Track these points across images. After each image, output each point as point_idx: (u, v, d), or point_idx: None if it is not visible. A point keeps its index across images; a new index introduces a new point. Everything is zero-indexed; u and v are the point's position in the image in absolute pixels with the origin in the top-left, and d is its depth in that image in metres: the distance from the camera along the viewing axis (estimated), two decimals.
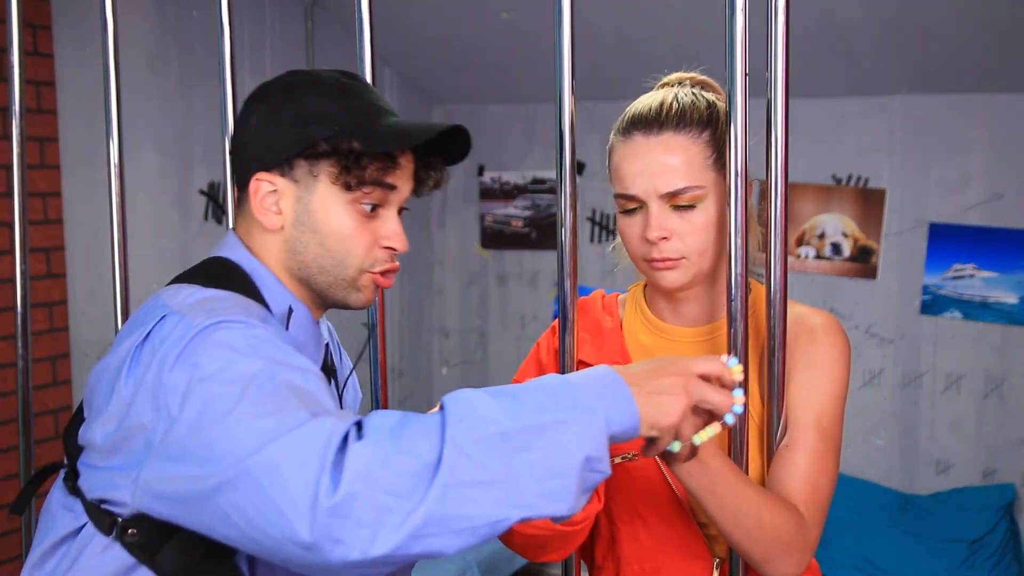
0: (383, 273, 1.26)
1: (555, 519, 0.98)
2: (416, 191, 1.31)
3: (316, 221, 1.22)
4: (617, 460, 1.41)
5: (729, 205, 1.31)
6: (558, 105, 1.39)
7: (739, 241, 1.31)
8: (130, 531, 1.10)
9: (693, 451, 1.13)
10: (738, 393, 1.08)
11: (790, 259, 4.14)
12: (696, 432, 1.09)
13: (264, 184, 1.22)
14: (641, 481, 1.42)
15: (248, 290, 1.21)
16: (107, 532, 1.11)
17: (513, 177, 4.80)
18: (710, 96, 1.39)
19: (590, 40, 3.32)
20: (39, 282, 3.18)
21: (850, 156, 4.09)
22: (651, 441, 1.09)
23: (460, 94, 4.80)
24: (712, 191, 1.33)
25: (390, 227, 1.24)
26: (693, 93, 1.38)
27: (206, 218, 3.74)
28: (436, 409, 1.01)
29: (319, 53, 4.15)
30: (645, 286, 1.50)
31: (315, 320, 1.30)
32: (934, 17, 3.43)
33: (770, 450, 1.35)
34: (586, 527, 1.35)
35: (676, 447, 1.10)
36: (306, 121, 1.20)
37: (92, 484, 1.12)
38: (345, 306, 1.28)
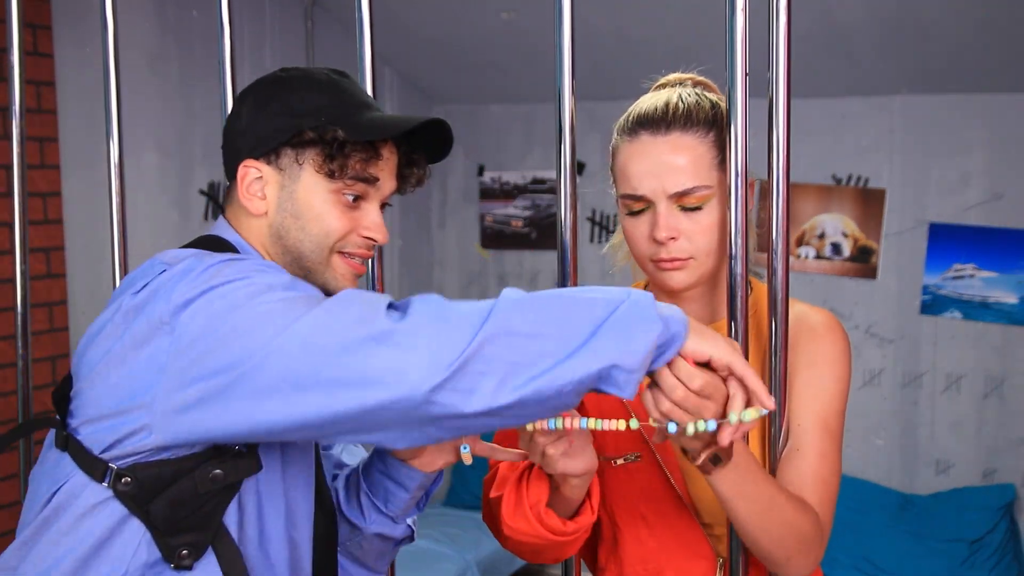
0: (357, 259, 1.30)
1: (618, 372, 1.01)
2: (400, 188, 1.34)
3: (299, 207, 1.26)
4: (620, 461, 1.41)
5: (729, 205, 1.31)
6: (558, 105, 1.38)
7: (739, 241, 1.31)
8: (124, 479, 1.12)
9: (720, 450, 1.15)
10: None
11: (790, 259, 4.14)
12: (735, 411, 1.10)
13: (251, 171, 1.26)
14: (643, 482, 1.42)
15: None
16: (100, 479, 1.13)
17: (513, 177, 4.80)
18: (712, 96, 1.39)
19: (590, 40, 3.32)
20: (39, 282, 3.18)
21: (850, 156, 4.09)
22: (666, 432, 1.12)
23: (460, 94, 4.80)
24: (719, 191, 1.33)
25: (371, 218, 1.29)
26: (696, 93, 1.37)
27: (206, 218, 3.74)
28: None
29: (319, 53, 4.15)
30: (646, 286, 1.49)
31: None
32: (934, 17, 3.43)
33: (771, 450, 1.35)
34: (579, 537, 1.35)
35: (712, 426, 1.10)
36: (294, 112, 1.25)
37: (99, 436, 1.13)
38: (325, 291, 1.29)
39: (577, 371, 0.99)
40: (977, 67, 3.68)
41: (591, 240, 4.60)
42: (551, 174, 4.63)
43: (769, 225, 1.34)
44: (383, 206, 1.31)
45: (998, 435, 3.94)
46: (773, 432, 1.35)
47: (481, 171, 4.87)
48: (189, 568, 1.15)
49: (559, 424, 1.20)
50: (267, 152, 1.26)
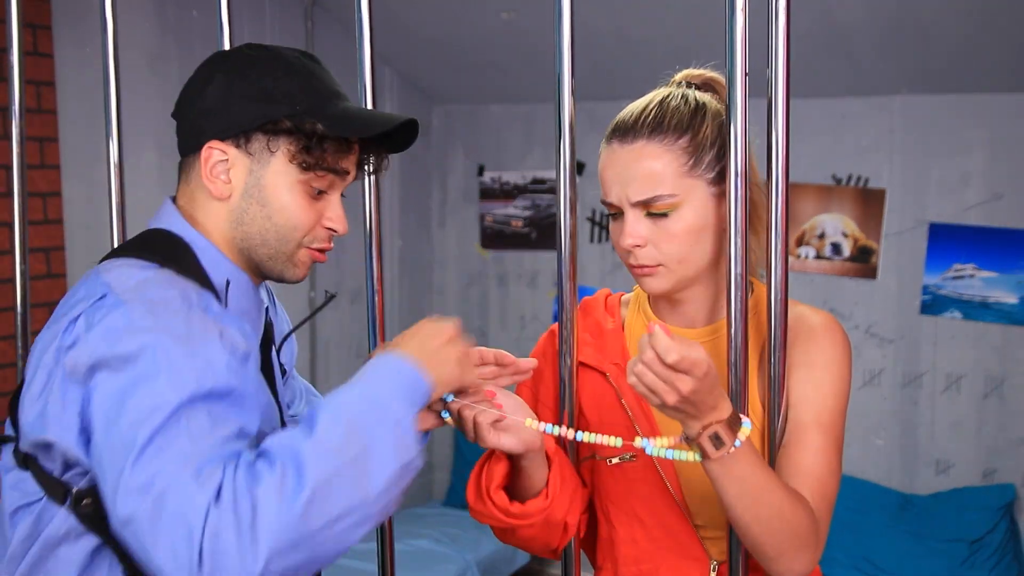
0: (320, 250, 1.30)
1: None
2: (357, 176, 1.35)
3: (266, 195, 1.25)
4: (615, 461, 1.41)
5: (729, 205, 1.31)
6: (558, 105, 1.38)
7: (739, 241, 1.30)
8: (84, 501, 1.12)
9: (722, 431, 1.19)
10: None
11: (790, 259, 4.14)
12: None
13: (216, 152, 1.24)
14: (638, 483, 1.42)
15: (188, 263, 1.22)
16: (60, 502, 1.13)
17: (513, 177, 4.80)
18: (706, 97, 1.38)
19: (590, 40, 3.32)
20: (39, 282, 3.17)
21: (850, 156, 4.09)
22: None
23: (460, 94, 4.80)
24: (692, 198, 1.32)
25: (334, 210, 1.29)
26: (685, 95, 1.37)
27: None
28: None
29: (319, 53, 4.10)
30: None
31: (255, 286, 1.32)
32: (934, 17, 3.42)
33: (771, 450, 1.35)
34: (534, 522, 1.36)
35: (679, 455, 1.19)
36: (269, 96, 1.23)
37: (48, 463, 1.14)
38: (280, 279, 1.31)
39: (387, 493, 1.08)
40: (977, 67, 3.68)
41: (591, 240, 4.60)
42: (551, 174, 4.63)
43: (769, 225, 1.34)
44: (342, 195, 1.32)
45: (998, 435, 3.94)
46: (772, 435, 1.35)
47: (481, 171, 4.87)
48: None
49: (556, 431, 1.28)
50: (236, 135, 1.24)
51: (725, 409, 1.20)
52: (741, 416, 1.22)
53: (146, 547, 1.00)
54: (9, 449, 1.20)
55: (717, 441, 1.19)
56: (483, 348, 1.34)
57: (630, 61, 3.91)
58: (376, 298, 1.54)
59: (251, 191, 1.25)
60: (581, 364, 1.44)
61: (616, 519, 1.45)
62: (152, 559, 0.99)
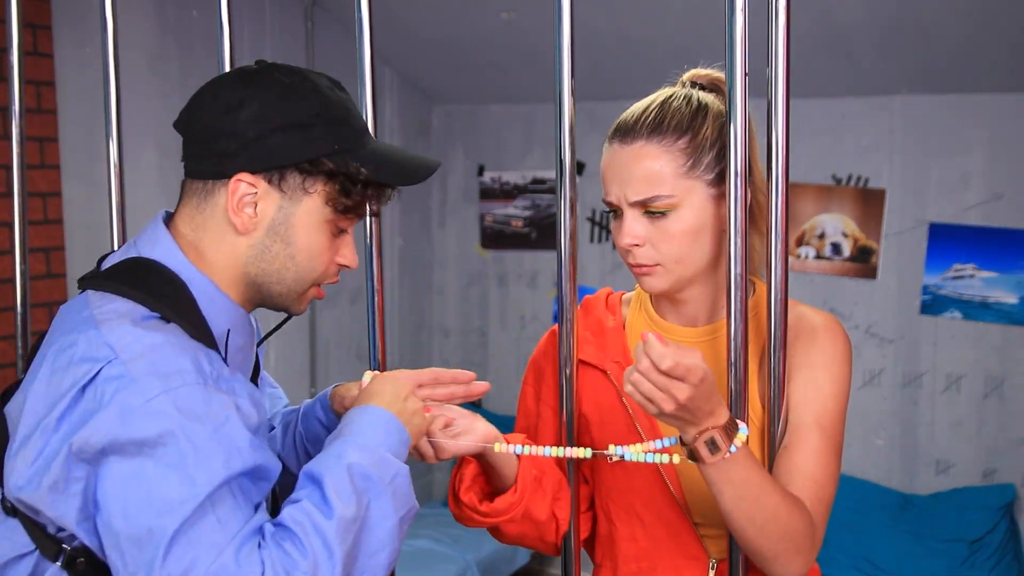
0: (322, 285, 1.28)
1: None
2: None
3: (292, 234, 1.19)
4: (616, 458, 1.42)
5: (729, 205, 1.31)
6: (558, 105, 1.38)
7: (739, 241, 1.30)
8: (79, 560, 1.08)
9: (718, 435, 1.20)
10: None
11: (790, 259, 4.14)
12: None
13: (244, 185, 1.17)
14: (639, 481, 1.42)
15: (187, 309, 1.16)
16: (53, 559, 1.09)
17: (513, 177, 4.80)
18: (708, 98, 1.38)
19: (590, 40, 3.32)
20: (39, 282, 3.17)
21: (850, 156, 4.09)
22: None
23: (460, 94, 4.80)
24: (690, 199, 1.33)
25: (349, 246, 1.26)
26: (688, 96, 1.37)
27: None
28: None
29: (319, 53, 4.15)
30: None
31: (249, 319, 1.27)
32: (934, 17, 3.42)
33: (771, 452, 1.34)
34: (511, 518, 1.38)
35: (658, 458, 1.22)
36: (308, 132, 1.17)
37: (39, 518, 1.09)
38: (285, 311, 1.28)
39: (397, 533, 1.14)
40: (977, 67, 3.68)
41: (591, 240, 4.60)
42: (551, 174, 4.63)
43: (768, 225, 1.34)
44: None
45: (998, 435, 3.94)
46: (772, 436, 1.35)
47: (481, 171, 4.86)
48: None
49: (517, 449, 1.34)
50: (269, 169, 1.16)
51: (722, 415, 1.20)
52: (738, 422, 1.23)
53: None
54: None
55: (713, 446, 1.20)
56: (438, 370, 1.37)
57: (630, 61, 3.91)
58: (376, 298, 1.54)
59: (277, 228, 1.19)
60: (582, 362, 1.44)
61: (616, 516, 1.45)
62: None
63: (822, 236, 4.16)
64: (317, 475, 1.10)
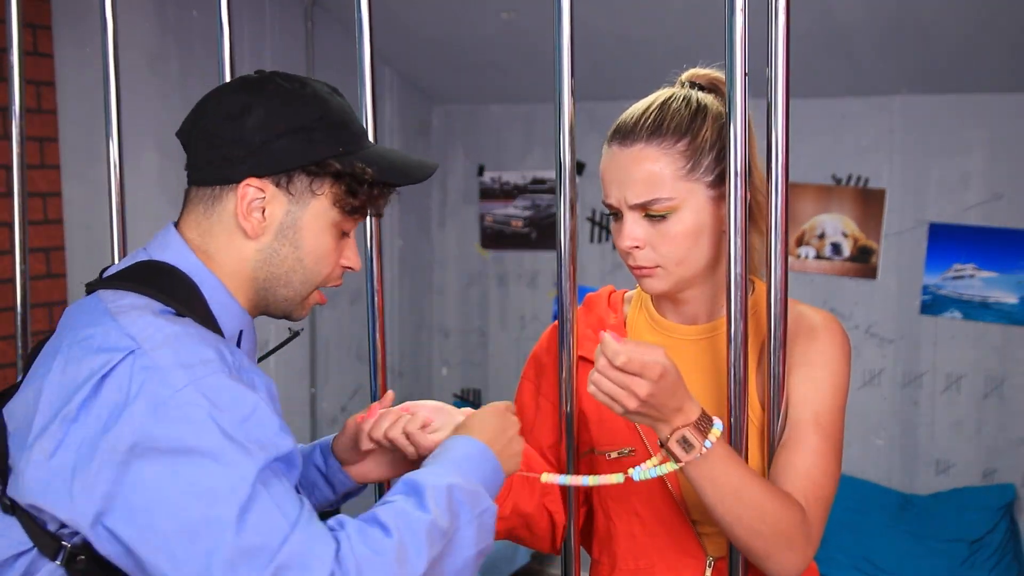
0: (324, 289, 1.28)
1: None
2: None
3: (300, 237, 1.20)
4: (613, 455, 1.42)
5: (729, 205, 1.31)
6: (558, 105, 1.38)
7: (739, 241, 1.31)
8: (79, 558, 1.06)
9: (691, 434, 1.22)
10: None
11: (790, 259, 4.14)
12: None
13: (253, 190, 1.18)
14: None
15: (198, 307, 1.16)
16: (52, 557, 1.06)
17: (513, 177, 4.80)
18: (706, 98, 1.38)
19: (590, 40, 3.32)
20: (39, 282, 3.17)
21: (850, 156, 4.09)
22: None
23: (460, 94, 4.80)
24: (691, 201, 1.33)
25: (352, 248, 1.27)
26: (687, 97, 1.37)
27: None
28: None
29: (319, 53, 4.15)
30: None
31: (254, 327, 1.27)
32: (934, 17, 3.42)
33: (770, 451, 1.35)
34: (503, 514, 1.37)
35: (656, 471, 1.25)
36: (312, 135, 1.18)
37: (41, 515, 1.06)
38: (286, 318, 1.28)
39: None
40: (977, 67, 3.68)
41: (591, 240, 4.60)
42: (551, 174, 4.63)
43: (768, 225, 1.34)
44: None
45: (998, 435, 3.94)
46: (771, 435, 1.35)
47: (481, 171, 4.86)
48: None
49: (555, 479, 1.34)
50: (277, 173, 1.18)
51: (692, 411, 1.21)
52: (714, 418, 1.23)
53: None
54: None
55: (686, 444, 1.20)
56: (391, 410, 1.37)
57: (630, 61, 3.91)
58: (376, 298, 1.54)
59: (285, 232, 1.20)
60: (583, 359, 1.44)
61: (615, 514, 1.46)
62: None
63: (822, 236, 4.16)
64: (418, 483, 1.11)
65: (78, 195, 3.30)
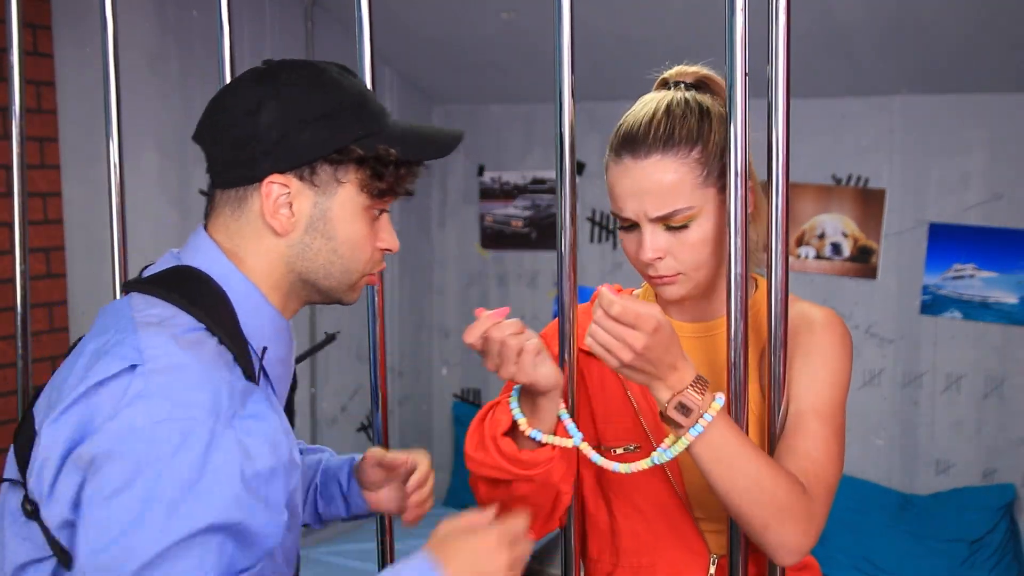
0: (374, 273, 1.26)
1: None
2: None
3: (332, 228, 1.18)
4: (618, 451, 1.42)
5: (729, 205, 1.31)
6: (558, 105, 1.38)
7: (739, 241, 1.31)
8: None
9: (687, 400, 1.22)
10: None
11: (790, 259, 4.14)
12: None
13: (277, 187, 1.15)
14: (641, 475, 1.41)
15: (226, 318, 1.14)
16: (68, 567, 1.04)
17: (513, 177, 4.80)
18: (705, 100, 1.38)
19: (590, 40, 3.32)
20: (39, 282, 3.18)
21: (850, 156, 4.09)
22: None
23: (460, 94, 4.80)
24: (707, 207, 1.33)
25: (387, 230, 1.24)
26: (686, 100, 1.36)
27: (206, 218, 3.73)
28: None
29: (319, 53, 4.14)
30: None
31: (290, 330, 1.24)
32: (934, 17, 3.42)
33: (770, 448, 1.35)
34: (536, 475, 1.32)
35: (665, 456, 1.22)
36: (331, 122, 1.15)
37: (52, 510, 1.06)
38: (339, 303, 1.26)
39: None
40: (977, 67, 3.68)
41: (591, 240, 4.60)
42: (551, 174, 4.63)
43: (769, 225, 1.34)
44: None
45: (998, 435, 3.94)
46: (772, 433, 1.35)
47: (481, 171, 4.87)
48: None
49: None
50: (299, 166, 1.15)
51: (686, 369, 1.22)
52: (716, 394, 1.24)
53: None
54: (17, 495, 1.10)
55: (684, 409, 1.21)
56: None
57: (630, 61, 3.89)
58: (376, 298, 1.54)
59: (316, 224, 1.17)
60: (588, 353, 1.43)
61: (618, 510, 1.45)
62: None
63: (822, 236, 4.16)
64: None
65: (78, 195, 3.30)
